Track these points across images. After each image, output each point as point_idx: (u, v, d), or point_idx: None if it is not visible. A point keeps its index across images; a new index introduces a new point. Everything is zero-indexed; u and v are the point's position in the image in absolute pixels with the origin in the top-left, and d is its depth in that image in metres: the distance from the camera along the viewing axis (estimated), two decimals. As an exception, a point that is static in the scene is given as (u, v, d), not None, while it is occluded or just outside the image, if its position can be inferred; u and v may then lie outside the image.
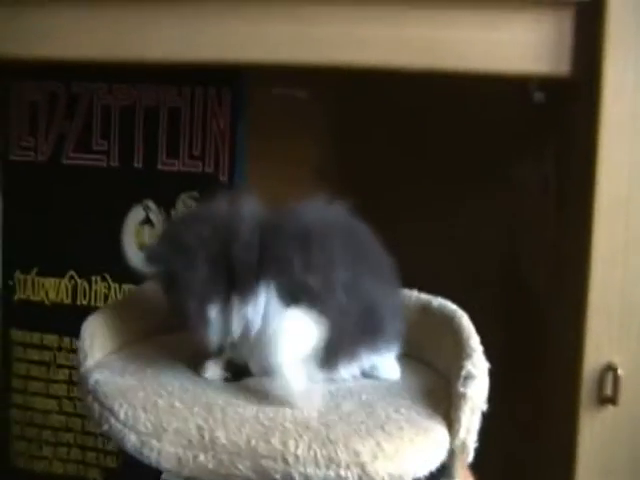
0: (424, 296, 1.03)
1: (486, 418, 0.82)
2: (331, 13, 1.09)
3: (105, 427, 0.85)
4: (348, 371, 0.93)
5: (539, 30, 1.07)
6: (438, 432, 0.81)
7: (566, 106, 1.18)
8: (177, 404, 0.84)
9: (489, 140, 1.39)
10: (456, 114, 1.38)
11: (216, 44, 1.13)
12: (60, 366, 1.57)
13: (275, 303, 0.86)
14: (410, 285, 1.03)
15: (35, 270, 1.58)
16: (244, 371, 0.92)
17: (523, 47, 1.07)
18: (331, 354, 0.88)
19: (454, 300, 0.98)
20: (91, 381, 0.91)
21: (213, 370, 0.93)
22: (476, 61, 1.09)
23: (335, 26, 1.10)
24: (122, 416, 0.84)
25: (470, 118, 1.38)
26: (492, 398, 0.83)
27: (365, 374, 0.95)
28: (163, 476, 0.85)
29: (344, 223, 0.92)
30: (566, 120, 1.19)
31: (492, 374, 0.85)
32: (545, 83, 1.13)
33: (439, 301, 1.00)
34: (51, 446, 1.58)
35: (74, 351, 0.96)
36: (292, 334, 0.85)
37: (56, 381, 1.58)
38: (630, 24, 1.03)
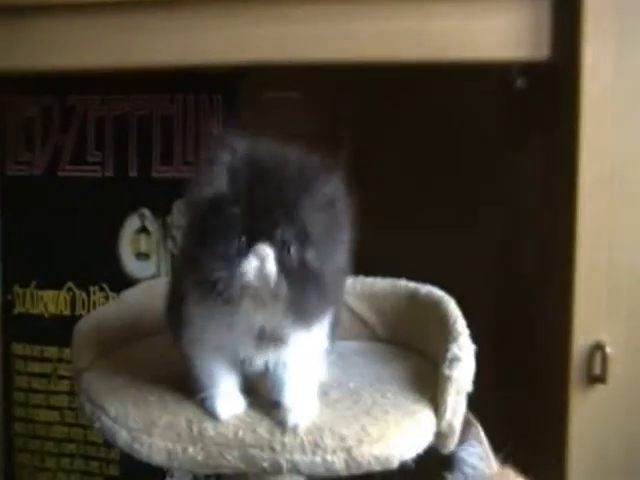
0: (412, 284, 1.03)
1: (475, 401, 0.82)
2: (320, 12, 1.10)
3: (97, 425, 0.86)
4: None
5: (518, 16, 1.07)
6: (424, 415, 0.81)
7: (547, 90, 1.18)
8: (168, 399, 0.85)
9: (473, 129, 1.39)
10: (441, 105, 1.38)
11: (217, 47, 1.14)
12: (61, 377, 1.57)
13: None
14: (399, 274, 1.03)
15: (34, 283, 1.59)
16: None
17: (503, 34, 1.08)
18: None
19: (442, 286, 0.98)
20: (84, 381, 0.91)
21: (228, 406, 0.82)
22: (459, 51, 1.09)
23: (325, 24, 1.11)
24: (113, 413, 0.84)
25: (455, 109, 1.38)
26: (481, 381, 0.83)
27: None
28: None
29: None
30: (548, 104, 1.19)
31: (481, 357, 0.85)
32: (526, 69, 1.13)
33: (427, 288, 1.00)
34: (54, 457, 1.58)
35: (74, 362, 0.96)
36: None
37: (57, 392, 1.58)
38: (607, 7, 1.04)
